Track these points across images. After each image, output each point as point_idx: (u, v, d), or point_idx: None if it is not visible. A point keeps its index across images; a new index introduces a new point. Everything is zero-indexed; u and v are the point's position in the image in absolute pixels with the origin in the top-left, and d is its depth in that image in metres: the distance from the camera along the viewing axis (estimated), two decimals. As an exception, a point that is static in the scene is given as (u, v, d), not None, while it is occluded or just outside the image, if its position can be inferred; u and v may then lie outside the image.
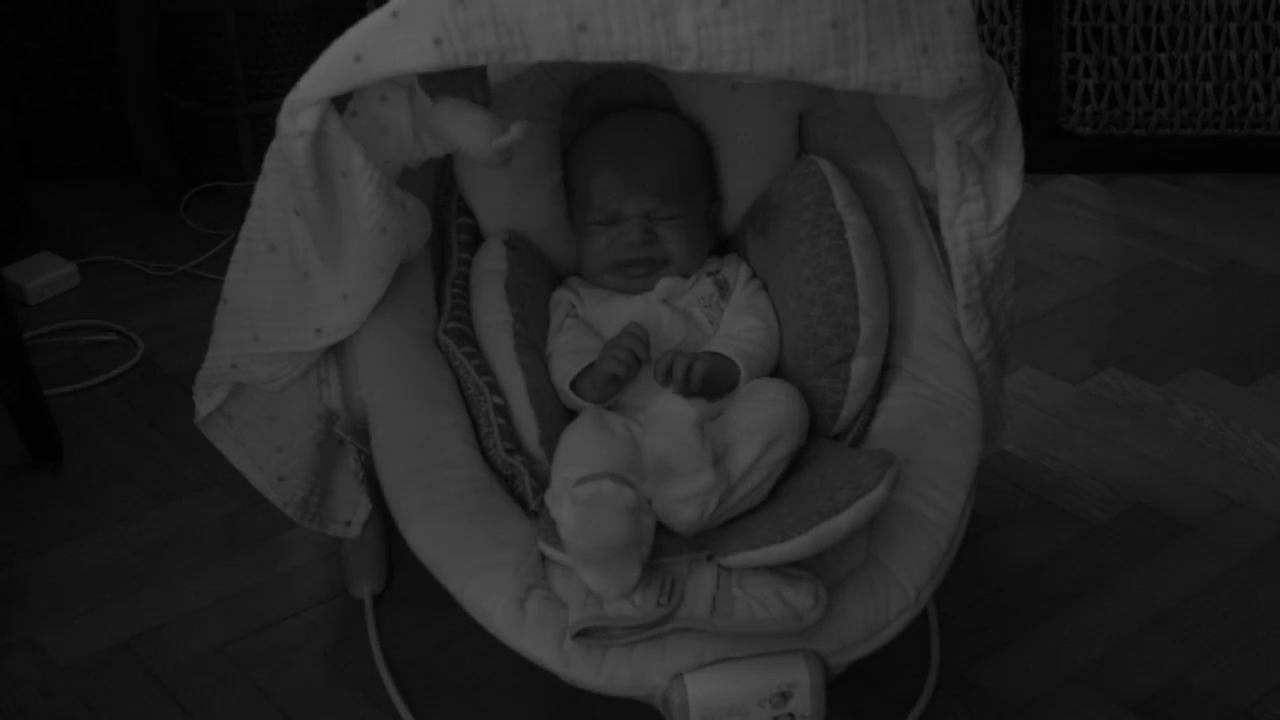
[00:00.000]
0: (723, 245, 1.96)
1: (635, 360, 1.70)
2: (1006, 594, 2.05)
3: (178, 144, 3.11)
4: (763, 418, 1.62)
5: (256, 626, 2.03)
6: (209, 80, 3.07)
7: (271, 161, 1.67)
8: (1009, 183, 1.69)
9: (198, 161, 3.14)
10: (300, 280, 1.72)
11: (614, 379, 1.70)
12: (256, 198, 1.71)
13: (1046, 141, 3.19)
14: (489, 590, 1.48)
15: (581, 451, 1.59)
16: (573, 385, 1.73)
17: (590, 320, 1.85)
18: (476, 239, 1.92)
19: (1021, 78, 3.17)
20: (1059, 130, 3.21)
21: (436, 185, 1.96)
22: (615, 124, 1.92)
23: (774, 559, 1.43)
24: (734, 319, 1.82)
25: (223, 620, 2.04)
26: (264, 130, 3.13)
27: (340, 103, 1.60)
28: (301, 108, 1.55)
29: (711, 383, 1.70)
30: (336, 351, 1.79)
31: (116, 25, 2.95)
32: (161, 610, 2.06)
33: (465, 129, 1.60)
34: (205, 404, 1.88)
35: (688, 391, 1.66)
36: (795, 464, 1.65)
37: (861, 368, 1.71)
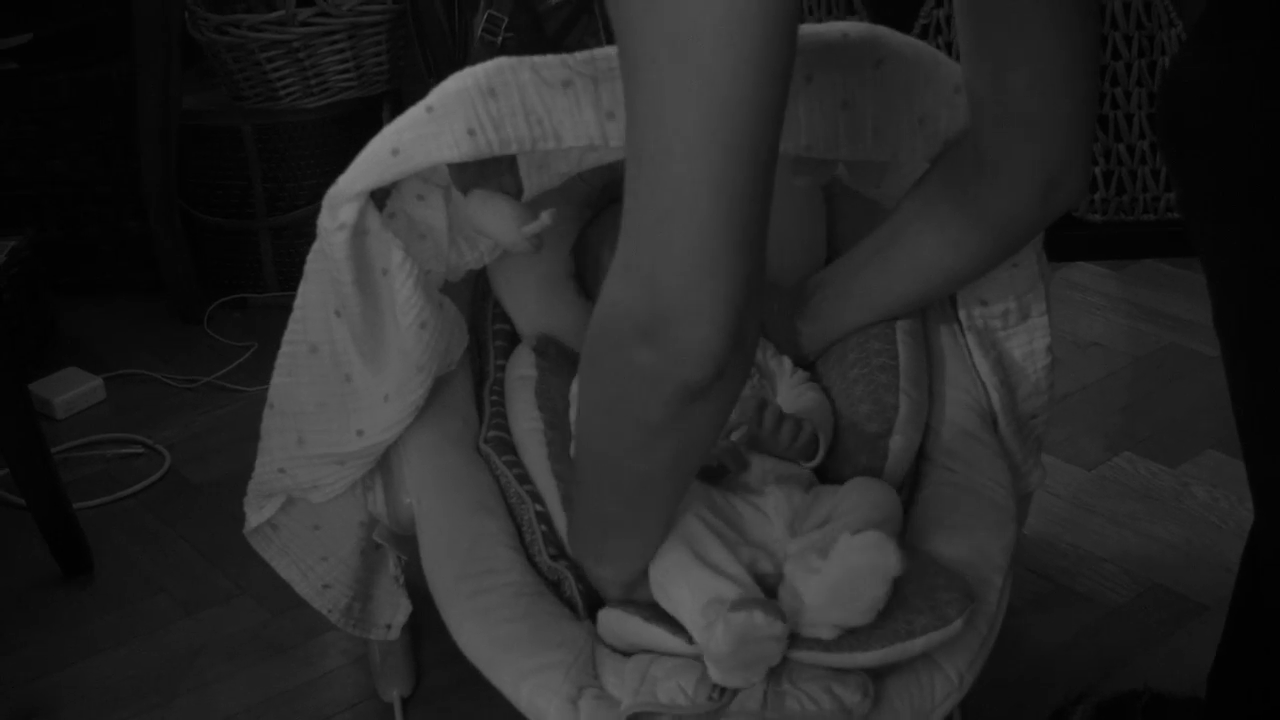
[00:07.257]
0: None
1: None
2: (1028, 680, 2.06)
3: (200, 258, 3.16)
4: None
5: (287, 733, 2.05)
6: (230, 194, 3.13)
7: (314, 263, 1.70)
8: None
9: (220, 275, 3.20)
10: (342, 383, 1.74)
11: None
12: (299, 300, 1.73)
13: (1057, 230, 3.14)
14: (542, 690, 1.48)
15: (704, 557, 1.51)
16: None
17: None
18: (513, 345, 1.94)
19: (1029, 167, 3.20)
20: (1069, 218, 3.22)
21: (473, 292, 2.00)
22: None
23: (845, 665, 1.44)
24: (795, 398, 1.82)
25: (253, 727, 2.06)
26: (285, 242, 3.15)
27: (379, 205, 1.64)
28: (341, 202, 1.58)
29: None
30: (381, 460, 1.81)
31: (137, 143, 3.01)
32: None
33: (496, 218, 1.64)
34: (255, 516, 1.88)
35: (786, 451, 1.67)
36: None
37: (898, 445, 1.72)
